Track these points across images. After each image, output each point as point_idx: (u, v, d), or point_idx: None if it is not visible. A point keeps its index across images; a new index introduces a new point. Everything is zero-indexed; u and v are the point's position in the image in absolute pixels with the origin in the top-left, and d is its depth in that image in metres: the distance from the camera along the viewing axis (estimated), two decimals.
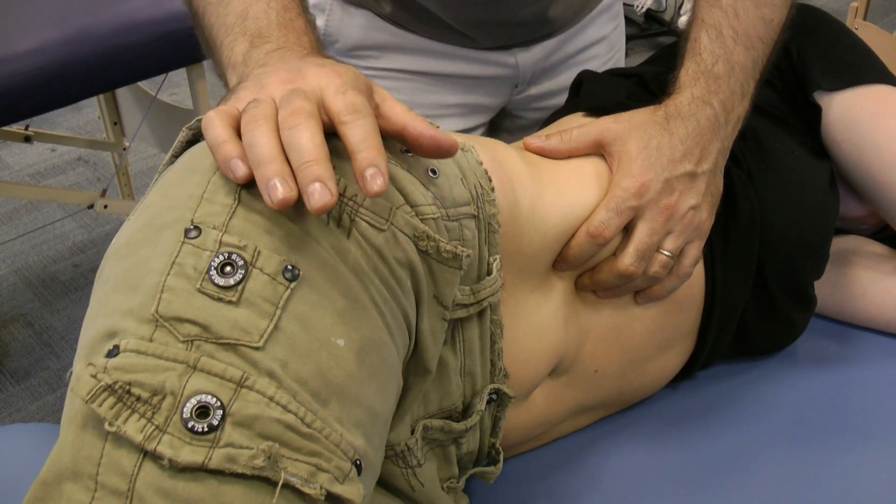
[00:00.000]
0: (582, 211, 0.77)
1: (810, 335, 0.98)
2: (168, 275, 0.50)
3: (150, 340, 0.48)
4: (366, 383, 0.53)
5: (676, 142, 0.79)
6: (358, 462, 0.52)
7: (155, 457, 0.46)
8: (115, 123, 2.21)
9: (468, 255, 0.60)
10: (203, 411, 0.47)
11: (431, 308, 0.60)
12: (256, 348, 0.49)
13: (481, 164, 0.69)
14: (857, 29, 2.04)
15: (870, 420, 0.90)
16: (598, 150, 0.82)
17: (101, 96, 2.15)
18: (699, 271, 0.85)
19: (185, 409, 0.47)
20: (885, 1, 3.44)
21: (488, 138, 0.79)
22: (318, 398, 0.50)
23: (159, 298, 0.50)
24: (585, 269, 0.79)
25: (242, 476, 0.47)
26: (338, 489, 0.49)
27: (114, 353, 0.49)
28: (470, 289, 0.65)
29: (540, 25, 1.06)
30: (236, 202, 0.53)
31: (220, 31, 0.73)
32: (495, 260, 0.67)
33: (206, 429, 0.46)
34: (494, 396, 0.72)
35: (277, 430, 0.48)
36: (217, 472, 0.46)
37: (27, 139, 2.19)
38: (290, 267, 0.51)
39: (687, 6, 2.96)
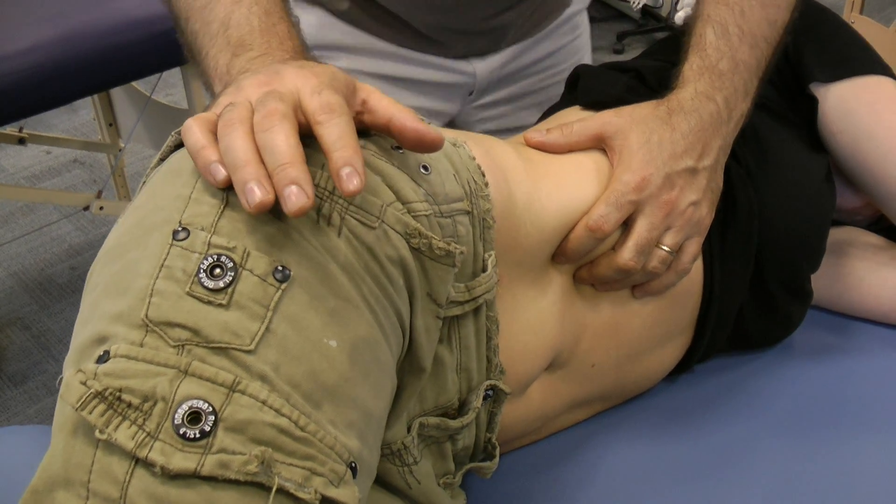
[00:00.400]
0: (580, 205, 0.77)
1: (807, 327, 0.98)
2: (157, 278, 0.50)
3: (141, 345, 0.48)
4: (359, 384, 0.53)
5: (678, 137, 0.79)
6: (353, 464, 0.51)
7: (147, 464, 0.45)
8: (111, 125, 2.21)
9: (461, 252, 0.60)
10: (195, 417, 0.46)
11: (425, 306, 0.60)
12: (248, 351, 0.49)
13: (474, 159, 0.68)
14: (853, 22, 2.04)
15: (867, 411, 0.90)
16: (600, 143, 0.81)
17: (96, 97, 2.15)
18: (697, 266, 0.85)
19: (176, 415, 0.46)
20: None
21: (482, 134, 0.79)
22: (311, 400, 0.50)
23: (149, 302, 0.49)
24: (584, 262, 0.79)
25: (235, 482, 0.46)
26: (332, 493, 0.49)
27: (104, 358, 0.48)
28: (465, 286, 0.64)
29: (499, 37, 1.07)
30: (224, 203, 0.52)
31: (205, 39, 0.72)
32: (490, 256, 0.66)
33: (197, 435, 0.46)
34: (491, 392, 0.71)
35: (270, 435, 0.47)
36: (210, 479, 0.46)
37: (21, 141, 2.19)
38: (280, 267, 0.51)
39: (683, 2, 2.95)
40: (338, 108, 0.52)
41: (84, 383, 0.47)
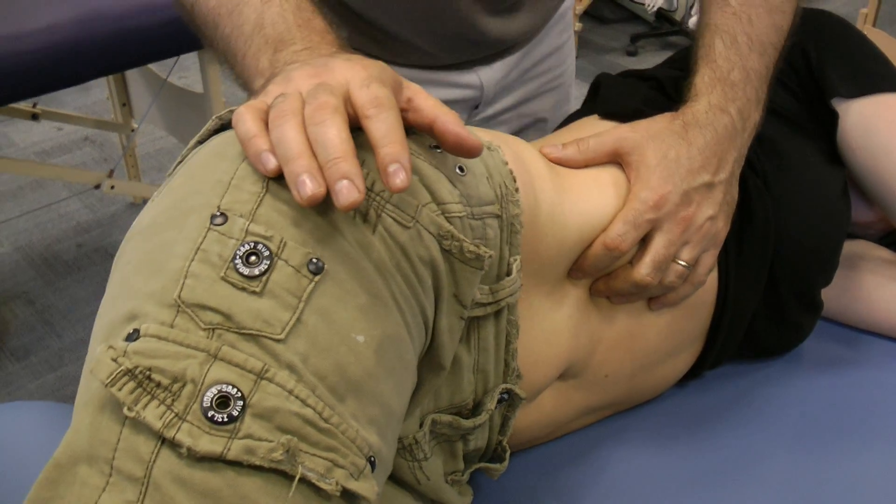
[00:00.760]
0: (600, 220, 0.77)
1: (816, 338, 0.98)
2: (192, 260, 0.50)
3: (172, 326, 0.48)
4: (383, 380, 0.53)
5: (695, 152, 0.79)
6: (372, 459, 0.52)
7: (173, 445, 0.46)
8: (125, 105, 2.21)
9: (490, 256, 0.60)
10: (223, 401, 0.46)
11: (450, 306, 0.60)
12: (278, 340, 0.49)
13: (506, 164, 0.69)
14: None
15: (874, 422, 0.90)
16: (616, 159, 0.81)
17: (110, 77, 2.15)
18: (712, 276, 0.85)
19: (205, 399, 0.46)
20: (894, 8, 3.43)
21: (512, 136, 0.79)
22: (336, 393, 0.50)
23: (182, 284, 0.49)
24: (601, 275, 0.79)
25: (260, 468, 0.46)
26: (353, 485, 0.49)
27: (133, 336, 0.48)
28: (489, 288, 0.65)
29: (504, 41, 1.06)
30: (264, 191, 0.52)
31: (239, 42, 0.71)
32: (516, 260, 0.67)
33: (225, 419, 0.46)
34: (506, 396, 0.72)
35: (296, 424, 0.48)
36: (234, 464, 0.46)
37: (34, 117, 2.19)
38: (314, 260, 0.51)
39: (698, 6, 2.95)
40: (386, 102, 0.52)
41: (115, 360, 0.47)
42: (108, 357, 0.47)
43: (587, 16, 3.57)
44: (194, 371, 0.47)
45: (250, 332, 0.49)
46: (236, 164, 0.54)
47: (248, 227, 0.51)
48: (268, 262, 0.50)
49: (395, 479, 0.67)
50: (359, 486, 0.49)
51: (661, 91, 0.95)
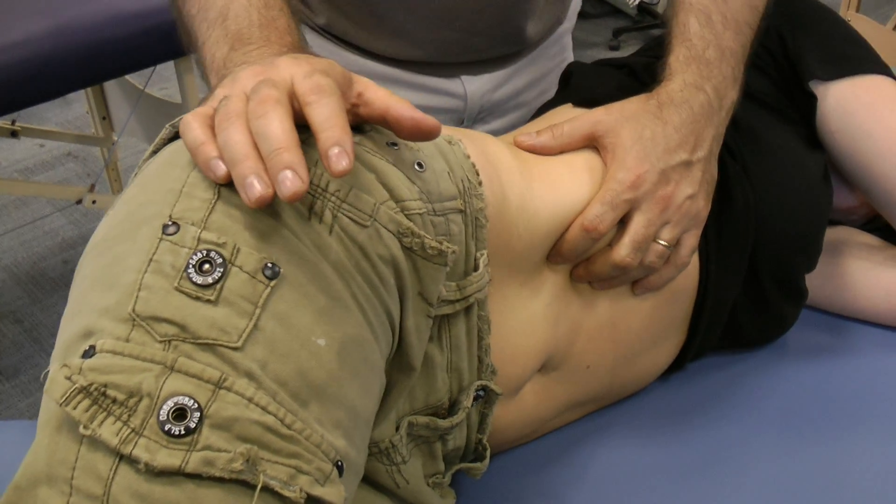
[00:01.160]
0: (574, 205, 0.76)
1: (800, 326, 0.97)
2: (145, 272, 0.49)
3: (127, 340, 0.48)
4: (347, 383, 0.52)
5: (671, 130, 0.78)
6: (339, 463, 0.51)
7: (131, 460, 0.45)
8: (104, 118, 2.20)
9: (454, 252, 0.59)
10: (180, 413, 0.46)
11: (416, 305, 0.59)
12: (235, 348, 0.48)
13: (468, 157, 0.68)
14: (849, 20, 2.04)
15: (860, 411, 0.90)
16: (591, 143, 0.80)
17: (89, 91, 2.14)
18: (693, 262, 0.84)
19: (161, 412, 0.46)
20: None
21: (477, 132, 0.78)
22: (298, 399, 0.49)
23: (136, 297, 0.49)
24: (580, 260, 0.78)
25: (221, 480, 0.46)
26: (318, 491, 0.48)
27: (90, 353, 0.48)
28: (456, 285, 0.64)
29: (515, 40, 1.05)
30: (216, 197, 0.52)
31: (202, 26, 0.71)
32: (482, 255, 0.66)
33: (182, 431, 0.45)
34: (482, 393, 0.71)
35: (256, 432, 0.47)
36: (194, 476, 0.45)
37: (14, 134, 2.18)
38: (270, 264, 0.50)
39: None
40: (327, 88, 0.51)
41: (69, 378, 0.46)
42: (62, 376, 0.47)
43: None
44: (150, 384, 0.46)
45: (206, 341, 0.48)
46: (187, 171, 0.53)
47: (200, 234, 0.50)
48: (221, 270, 0.49)
49: (373, 483, 0.66)
50: (325, 492, 0.49)
51: (635, 78, 0.95)
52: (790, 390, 0.92)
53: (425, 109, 1.05)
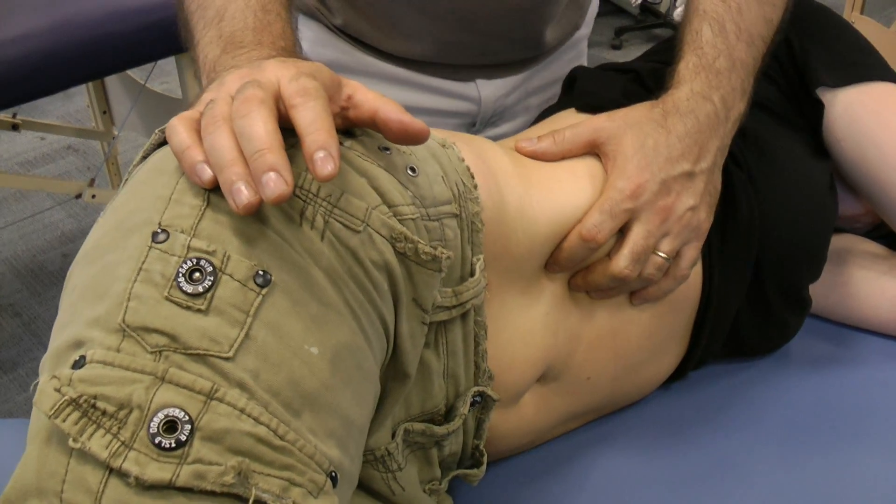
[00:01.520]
0: (573, 212, 0.75)
1: (803, 336, 0.96)
2: (135, 282, 0.48)
3: (118, 351, 0.47)
4: (340, 391, 0.52)
5: (674, 140, 0.77)
6: (333, 473, 0.50)
7: (121, 474, 0.44)
8: (105, 112, 2.20)
9: (448, 257, 0.58)
10: (171, 426, 0.45)
11: (410, 311, 0.58)
12: (226, 359, 0.47)
13: (463, 160, 0.67)
14: (853, 22, 2.03)
15: (863, 421, 0.89)
16: (593, 150, 0.79)
17: (90, 85, 2.14)
18: (696, 271, 0.83)
19: (152, 424, 0.45)
20: None
21: (474, 136, 0.77)
22: (291, 409, 0.48)
23: (126, 307, 0.48)
24: (578, 269, 0.77)
25: (212, 493, 0.45)
26: (311, 503, 0.48)
27: (80, 364, 0.47)
28: (452, 290, 0.63)
29: (534, 45, 1.03)
30: (205, 203, 0.51)
31: (199, 24, 0.70)
32: (479, 260, 0.65)
33: (173, 444, 0.45)
34: (479, 399, 0.70)
35: (248, 444, 0.46)
36: (185, 490, 0.45)
37: (14, 127, 2.17)
38: (261, 272, 0.49)
39: None
40: (313, 91, 0.50)
41: (58, 390, 0.45)
42: (51, 387, 0.46)
43: None
44: (140, 396, 0.45)
45: (197, 351, 0.47)
46: (176, 177, 0.52)
47: (190, 242, 0.49)
48: (212, 279, 0.48)
49: (369, 490, 0.65)
50: None
51: (640, 83, 0.94)
52: (793, 400, 0.91)
53: (439, 112, 1.05)
